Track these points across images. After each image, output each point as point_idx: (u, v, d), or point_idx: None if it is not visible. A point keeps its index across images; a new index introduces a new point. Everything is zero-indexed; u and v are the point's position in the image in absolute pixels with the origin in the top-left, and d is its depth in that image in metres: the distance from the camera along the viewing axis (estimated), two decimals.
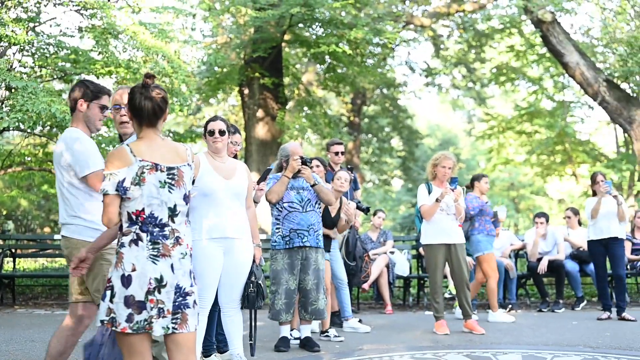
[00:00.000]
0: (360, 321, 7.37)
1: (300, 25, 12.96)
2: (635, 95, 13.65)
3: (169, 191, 2.94)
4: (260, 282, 4.73)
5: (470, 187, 8.24)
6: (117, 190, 2.88)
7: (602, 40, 14.57)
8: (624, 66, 13.03)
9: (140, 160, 2.90)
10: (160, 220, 2.92)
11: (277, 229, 5.83)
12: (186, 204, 3.01)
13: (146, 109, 2.96)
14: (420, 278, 9.95)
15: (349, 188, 6.63)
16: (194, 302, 2.97)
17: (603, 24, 14.43)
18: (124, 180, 2.88)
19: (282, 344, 5.85)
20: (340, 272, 7.08)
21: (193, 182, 3.12)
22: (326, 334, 6.48)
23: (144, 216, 2.90)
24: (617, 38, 13.65)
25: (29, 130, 9.16)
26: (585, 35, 15.62)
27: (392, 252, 9.60)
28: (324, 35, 12.90)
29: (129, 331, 2.84)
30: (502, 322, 7.71)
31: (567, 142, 18.96)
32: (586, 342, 6.24)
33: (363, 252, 7.56)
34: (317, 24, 12.93)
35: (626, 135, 15.70)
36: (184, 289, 2.92)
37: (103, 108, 4.04)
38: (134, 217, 2.90)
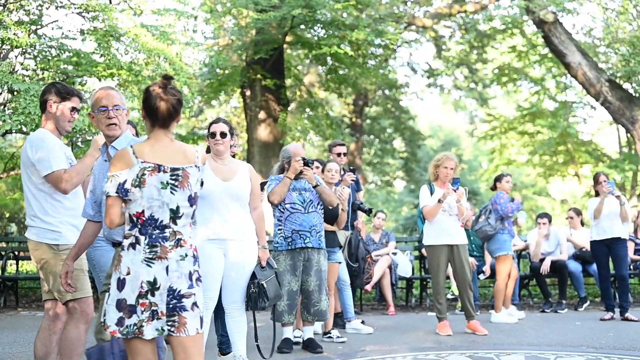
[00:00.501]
0: (362, 322, 7.37)
1: (302, 26, 12.96)
2: (637, 95, 13.62)
3: (171, 192, 2.90)
4: (264, 283, 4.73)
5: (494, 188, 8.26)
6: (117, 192, 2.87)
7: (604, 40, 14.54)
8: (626, 66, 13.00)
9: (142, 162, 2.88)
10: (161, 222, 2.89)
11: (279, 230, 5.83)
12: (191, 205, 2.96)
13: (161, 110, 2.93)
14: (423, 279, 9.95)
15: (339, 179, 6.64)
16: (194, 304, 2.89)
17: (605, 24, 14.41)
18: (124, 182, 2.87)
19: (285, 346, 5.85)
20: (343, 274, 7.09)
21: (202, 185, 3.08)
22: (329, 335, 6.48)
23: (144, 218, 2.88)
24: (619, 38, 13.62)
25: (31, 133, 9.17)
26: (587, 35, 15.58)
27: (394, 253, 9.61)
28: (325, 36, 12.91)
29: (118, 335, 2.83)
30: (505, 323, 7.71)
31: (570, 143, 18.93)
32: (589, 342, 6.23)
33: (365, 253, 7.56)
34: (318, 25, 12.93)
35: (629, 135, 15.67)
36: (179, 291, 2.86)
37: (72, 110, 4.08)
38: (134, 219, 2.89)
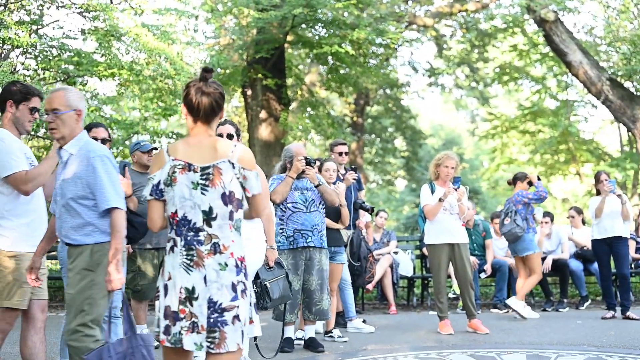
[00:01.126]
0: (364, 321, 7.38)
1: (303, 26, 12.96)
2: (638, 94, 13.62)
3: (202, 193, 2.73)
4: (267, 284, 4.73)
5: (511, 183, 8.27)
6: (151, 194, 2.81)
7: (606, 39, 14.54)
8: (628, 65, 12.99)
9: (173, 160, 2.77)
10: (194, 224, 2.74)
11: (281, 229, 5.84)
12: (225, 204, 2.74)
13: (203, 105, 2.77)
14: (424, 278, 9.95)
15: (336, 178, 6.64)
16: (235, 317, 2.71)
17: (606, 23, 14.40)
18: (158, 182, 2.79)
19: (287, 345, 5.86)
20: (345, 273, 7.09)
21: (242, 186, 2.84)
22: (330, 334, 6.48)
23: (177, 219, 2.75)
24: (620, 37, 13.61)
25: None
26: (588, 34, 15.58)
27: (395, 253, 9.61)
28: (326, 35, 12.90)
29: (167, 344, 2.71)
30: (507, 322, 7.70)
31: (571, 141, 18.92)
32: (590, 341, 6.23)
33: (367, 252, 7.57)
34: (319, 24, 12.93)
35: (630, 134, 15.66)
36: (220, 304, 2.68)
37: (32, 110, 4.04)
38: (171, 220, 2.79)
